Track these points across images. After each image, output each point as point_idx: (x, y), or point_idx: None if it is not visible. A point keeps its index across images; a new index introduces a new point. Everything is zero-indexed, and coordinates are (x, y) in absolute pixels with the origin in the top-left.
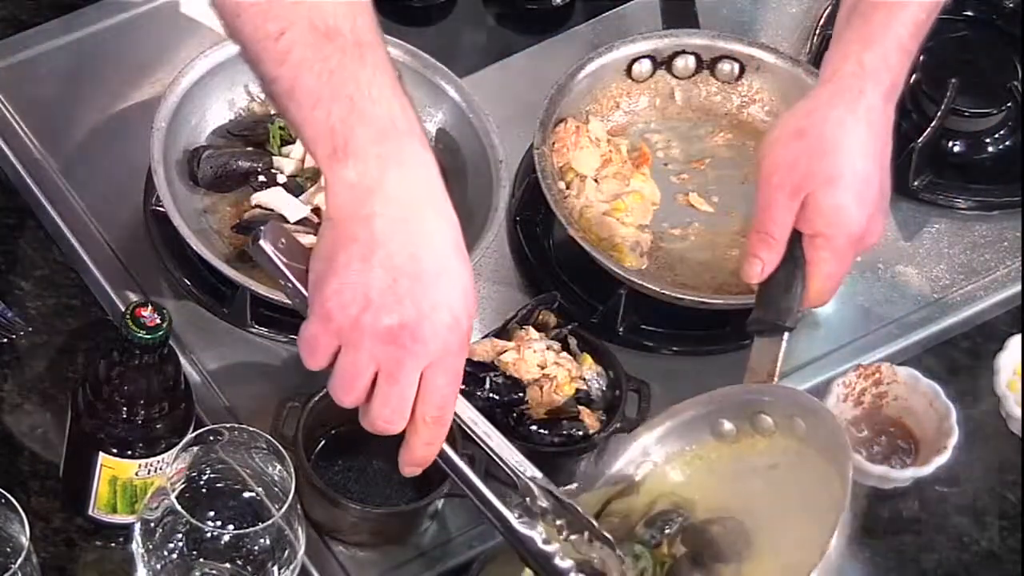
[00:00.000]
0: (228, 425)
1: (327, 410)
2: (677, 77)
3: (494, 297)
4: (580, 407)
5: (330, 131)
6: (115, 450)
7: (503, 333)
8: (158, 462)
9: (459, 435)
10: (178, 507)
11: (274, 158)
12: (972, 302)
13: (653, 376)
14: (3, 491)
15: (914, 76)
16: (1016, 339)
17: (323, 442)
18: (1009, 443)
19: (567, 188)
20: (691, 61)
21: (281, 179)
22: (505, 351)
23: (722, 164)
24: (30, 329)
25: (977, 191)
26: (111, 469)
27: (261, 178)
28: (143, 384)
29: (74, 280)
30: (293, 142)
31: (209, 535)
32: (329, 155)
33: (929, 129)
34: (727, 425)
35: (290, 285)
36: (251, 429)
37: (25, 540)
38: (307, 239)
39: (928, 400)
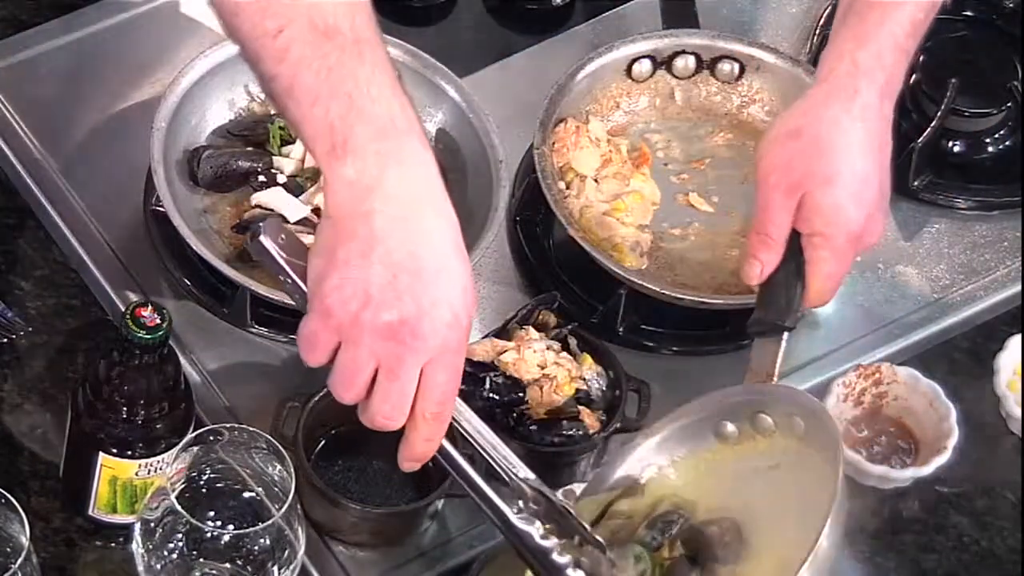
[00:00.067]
0: (228, 425)
1: (327, 410)
2: (677, 77)
3: (494, 297)
4: (580, 407)
5: (329, 128)
6: (115, 450)
7: (503, 333)
8: (158, 462)
9: (457, 434)
10: (178, 507)
11: (274, 158)
12: (972, 302)
13: (653, 376)
14: (3, 491)
15: (914, 76)
16: (1016, 339)
17: (323, 442)
18: (1009, 443)
19: (567, 188)
20: (691, 61)
21: (281, 179)
22: (505, 351)
23: (722, 164)
24: (30, 329)
25: (977, 191)
26: (111, 469)
27: (261, 178)
28: (143, 384)
29: (74, 280)
30: (293, 142)
31: (209, 535)
32: (328, 152)
33: (929, 129)
34: (729, 427)
35: (289, 281)
36: (251, 429)
37: (25, 540)
38: (307, 239)
39: (928, 400)
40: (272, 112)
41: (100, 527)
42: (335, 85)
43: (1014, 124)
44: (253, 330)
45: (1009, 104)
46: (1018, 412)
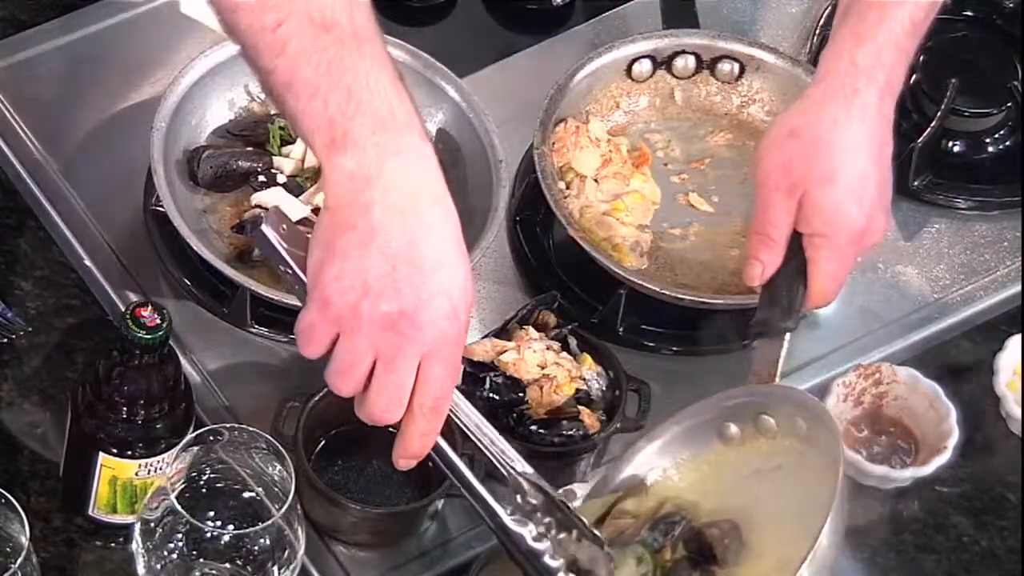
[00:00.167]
0: (228, 425)
1: (327, 410)
2: (677, 77)
3: (494, 297)
4: (580, 407)
5: (329, 121)
6: (115, 450)
7: (503, 333)
8: (158, 462)
9: (457, 434)
10: (178, 507)
11: (274, 158)
12: (972, 302)
13: (653, 376)
14: (3, 491)
15: (914, 76)
16: (1016, 339)
17: (323, 442)
18: (1009, 443)
19: (567, 188)
20: (691, 61)
21: (281, 179)
22: (505, 351)
23: (722, 164)
24: (30, 329)
25: (977, 191)
26: (111, 469)
27: (261, 178)
28: (143, 384)
29: (74, 280)
30: (293, 142)
31: (209, 535)
32: (327, 145)
33: (929, 129)
34: (732, 428)
35: (290, 271)
36: (251, 429)
37: (25, 540)
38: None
39: (928, 400)
40: (272, 112)
41: (100, 527)
42: (334, 78)
43: (1014, 124)
44: (253, 330)
45: (1009, 104)
46: (1018, 412)
